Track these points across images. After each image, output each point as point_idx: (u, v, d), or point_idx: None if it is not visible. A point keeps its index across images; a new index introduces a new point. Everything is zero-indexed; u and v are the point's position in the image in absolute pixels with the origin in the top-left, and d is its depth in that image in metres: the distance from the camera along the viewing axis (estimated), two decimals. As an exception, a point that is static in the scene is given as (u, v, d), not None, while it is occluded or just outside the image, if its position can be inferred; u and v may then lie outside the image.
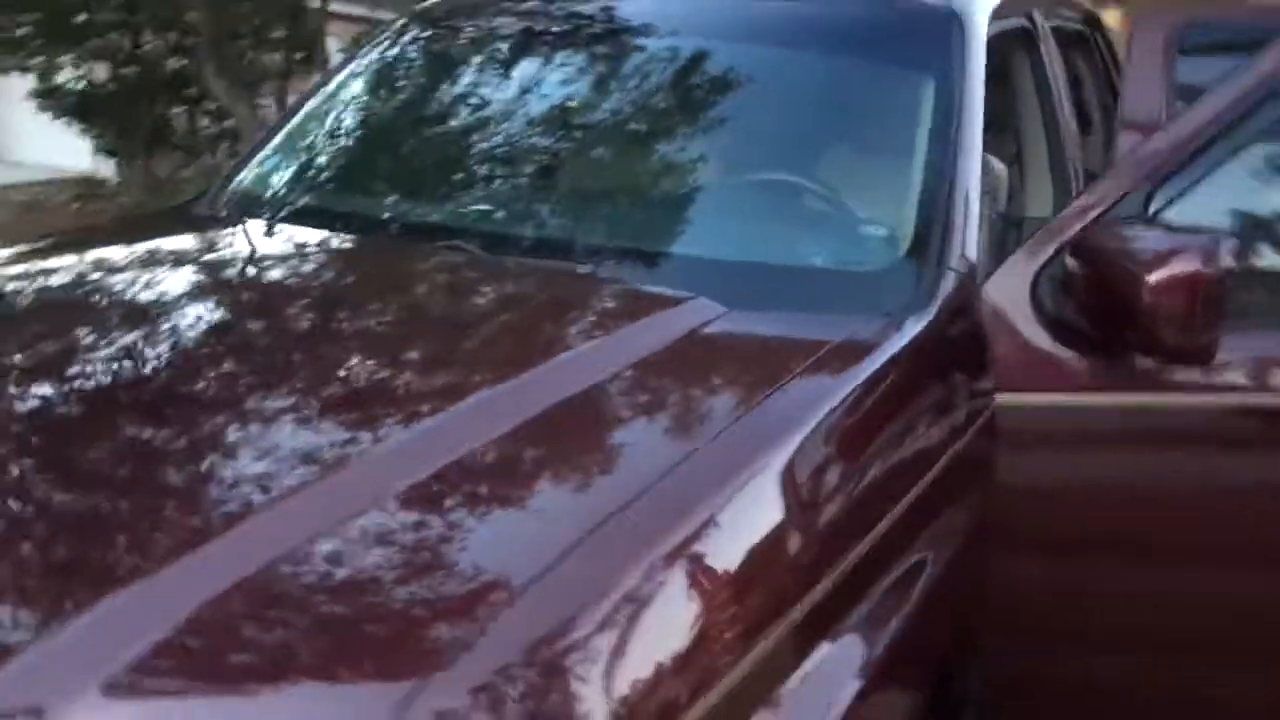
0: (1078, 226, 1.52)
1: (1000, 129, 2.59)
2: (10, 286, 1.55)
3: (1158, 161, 1.56)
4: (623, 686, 0.83)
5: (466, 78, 2.13)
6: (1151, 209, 1.55)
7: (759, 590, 1.00)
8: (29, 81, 9.44)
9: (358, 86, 2.25)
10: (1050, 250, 1.54)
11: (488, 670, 0.78)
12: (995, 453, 1.50)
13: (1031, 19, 2.32)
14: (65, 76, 9.39)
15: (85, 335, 1.34)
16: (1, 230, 7.89)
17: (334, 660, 0.80)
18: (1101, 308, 1.46)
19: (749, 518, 1.03)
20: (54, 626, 0.81)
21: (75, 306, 1.46)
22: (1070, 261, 1.51)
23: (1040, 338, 1.53)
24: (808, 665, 1.02)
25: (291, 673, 0.80)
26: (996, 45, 2.29)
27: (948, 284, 1.51)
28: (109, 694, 0.76)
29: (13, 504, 0.99)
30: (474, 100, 2.06)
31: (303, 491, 0.96)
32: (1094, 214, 1.53)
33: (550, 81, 1.94)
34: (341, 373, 1.24)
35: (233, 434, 1.10)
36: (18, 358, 1.27)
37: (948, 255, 1.54)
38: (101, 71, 9.47)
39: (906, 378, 1.34)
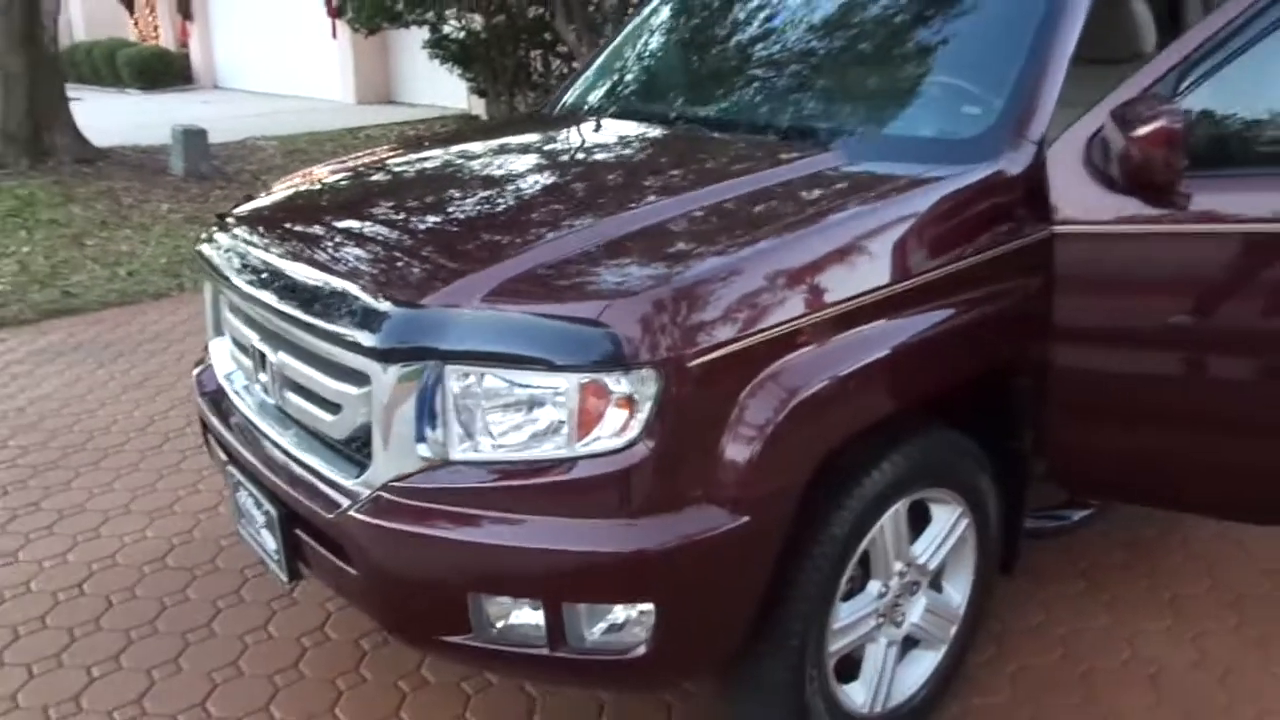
0: (1118, 101, 2.10)
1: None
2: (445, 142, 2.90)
3: (1186, 50, 2.08)
4: (737, 310, 1.72)
5: (702, 18, 3.11)
6: (1181, 88, 2.09)
7: (837, 285, 1.84)
8: (422, 35, 11.45)
9: (638, 28, 3.29)
10: (1100, 119, 2.13)
11: (660, 296, 1.69)
12: (1050, 261, 2.14)
13: None
14: (449, 28, 11.27)
15: (495, 163, 2.63)
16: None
17: (604, 288, 1.75)
18: (1120, 159, 2.04)
19: (833, 252, 1.86)
20: (472, 270, 1.83)
21: (476, 155, 2.71)
22: (1109, 126, 2.09)
23: (1084, 183, 2.13)
24: (853, 333, 1.83)
25: (579, 291, 1.76)
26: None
27: (1020, 148, 2.16)
28: (493, 295, 1.76)
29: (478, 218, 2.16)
30: (708, 32, 3.08)
31: (590, 223, 2.00)
32: (1132, 91, 2.10)
33: (752, 22, 2.87)
34: (631, 177, 2.39)
35: (567, 199, 2.26)
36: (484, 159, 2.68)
37: (1025, 129, 2.18)
38: (477, 22, 11.23)
39: (966, 199, 2.05)
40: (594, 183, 2.33)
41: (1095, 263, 2.17)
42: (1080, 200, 2.15)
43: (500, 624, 1.83)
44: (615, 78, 3.17)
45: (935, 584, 2.25)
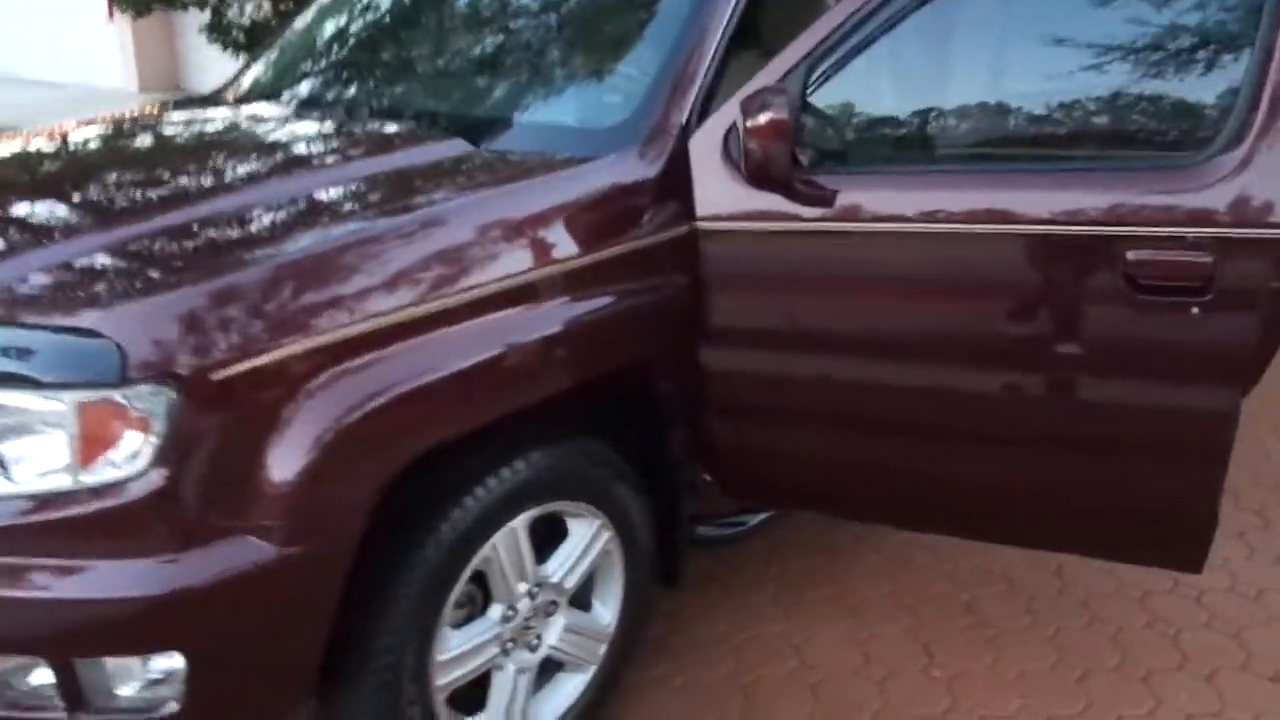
0: (748, 93, 2.00)
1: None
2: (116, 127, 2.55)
3: (812, 43, 2.01)
4: (280, 313, 1.53)
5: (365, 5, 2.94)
6: (811, 80, 2.01)
7: (416, 281, 1.67)
8: (203, 18, 10.68)
9: (315, 13, 3.07)
10: (735, 112, 2.03)
11: (179, 301, 1.48)
12: (693, 257, 2.03)
13: None
14: (233, 13, 10.56)
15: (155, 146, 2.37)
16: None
17: (112, 294, 1.52)
18: (744, 152, 1.95)
19: (416, 245, 1.69)
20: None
21: (139, 136, 2.46)
22: (738, 118, 1.99)
23: (722, 177, 2.03)
24: (428, 337, 1.67)
25: (79, 298, 1.52)
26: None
27: (658, 139, 2.04)
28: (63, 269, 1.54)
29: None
30: (367, 18, 2.94)
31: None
32: (764, 81, 2.01)
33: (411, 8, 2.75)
34: (225, 167, 2.12)
35: (127, 193, 2.01)
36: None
37: (666, 120, 2.07)
38: (265, 7, 10.57)
39: (594, 191, 1.94)
40: (175, 174, 2.05)
41: (736, 260, 2.07)
42: (719, 195, 2.05)
43: (15, 687, 1.55)
44: (282, 61, 2.90)
45: (583, 602, 2.11)
